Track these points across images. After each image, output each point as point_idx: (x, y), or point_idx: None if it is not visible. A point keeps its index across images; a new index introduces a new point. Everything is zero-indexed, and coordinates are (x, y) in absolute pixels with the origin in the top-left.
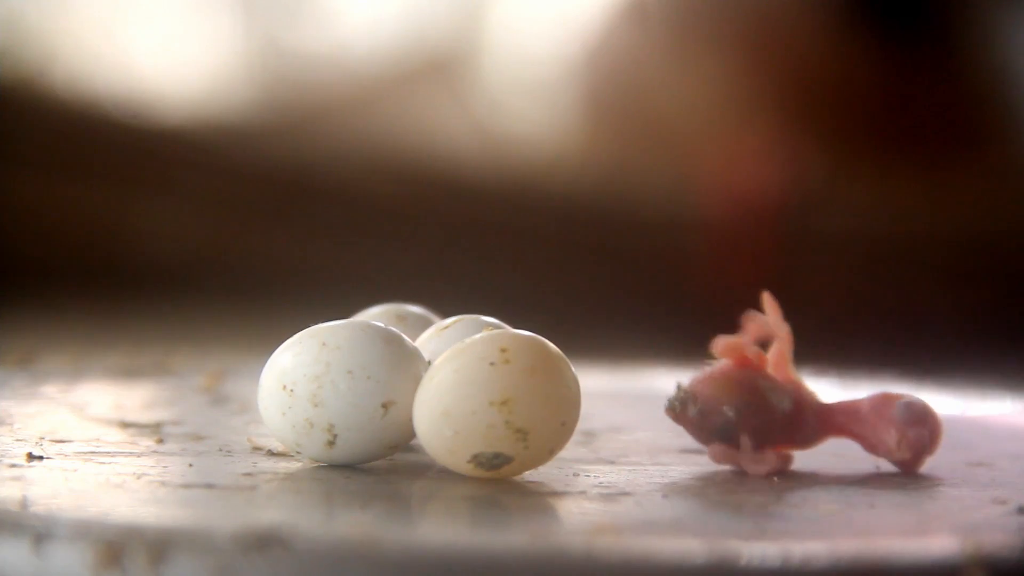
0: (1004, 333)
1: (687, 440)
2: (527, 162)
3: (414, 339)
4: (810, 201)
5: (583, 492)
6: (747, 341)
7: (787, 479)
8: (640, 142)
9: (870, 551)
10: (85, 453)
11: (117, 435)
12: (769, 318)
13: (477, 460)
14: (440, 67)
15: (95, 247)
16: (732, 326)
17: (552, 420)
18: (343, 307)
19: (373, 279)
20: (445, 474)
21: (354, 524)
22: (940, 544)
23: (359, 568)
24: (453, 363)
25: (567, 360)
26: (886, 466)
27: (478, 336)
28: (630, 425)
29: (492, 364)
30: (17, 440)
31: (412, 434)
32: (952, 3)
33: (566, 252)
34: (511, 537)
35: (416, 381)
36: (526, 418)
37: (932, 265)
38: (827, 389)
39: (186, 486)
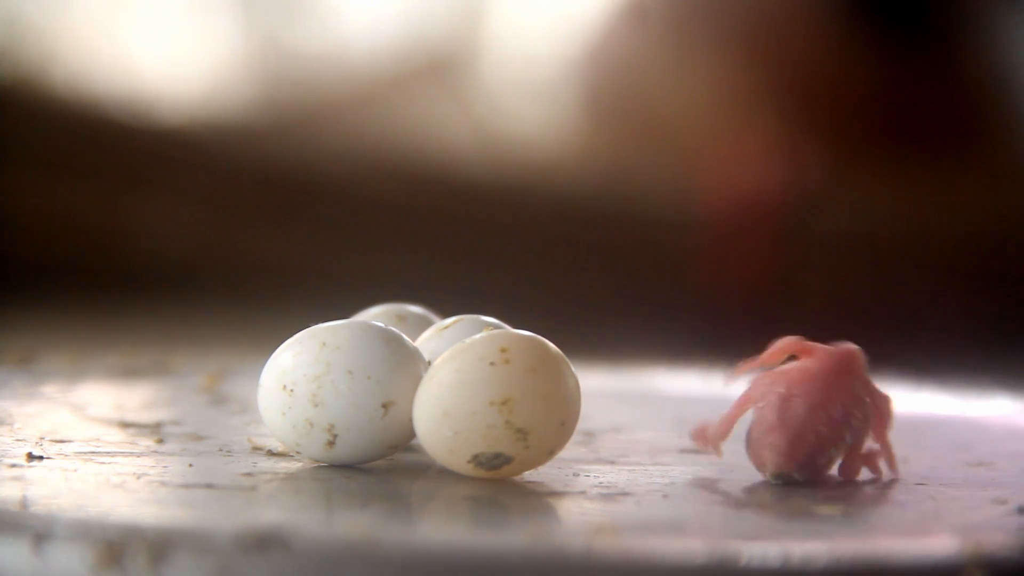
0: (1004, 333)
1: (687, 440)
2: (527, 162)
3: (414, 339)
4: (810, 201)
5: (583, 492)
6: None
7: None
8: (640, 142)
9: (870, 551)
10: (85, 453)
11: (117, 435)
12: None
13: (477, 460)
14: (440, 67)
15: (95, 247)
16: (732, 325)
17: (552, 420)
18: (343, 307)
19: (373, 279)
20: (445, 474)
21: (354, 524)
22: (940, 544)
23: (359, 568)
24: (453, 363)
25: (567, 360)
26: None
27: (478, 336)
28: (630, 425)
29: (492, 364)
30: (17, 440)
31: (412, 434)
32: (952, 3)
33: (566, 252)
34: (511, 537)
35: (416, 381)
36: (526, 418)
37: (932, 265)
38: None
39: (186, 486)
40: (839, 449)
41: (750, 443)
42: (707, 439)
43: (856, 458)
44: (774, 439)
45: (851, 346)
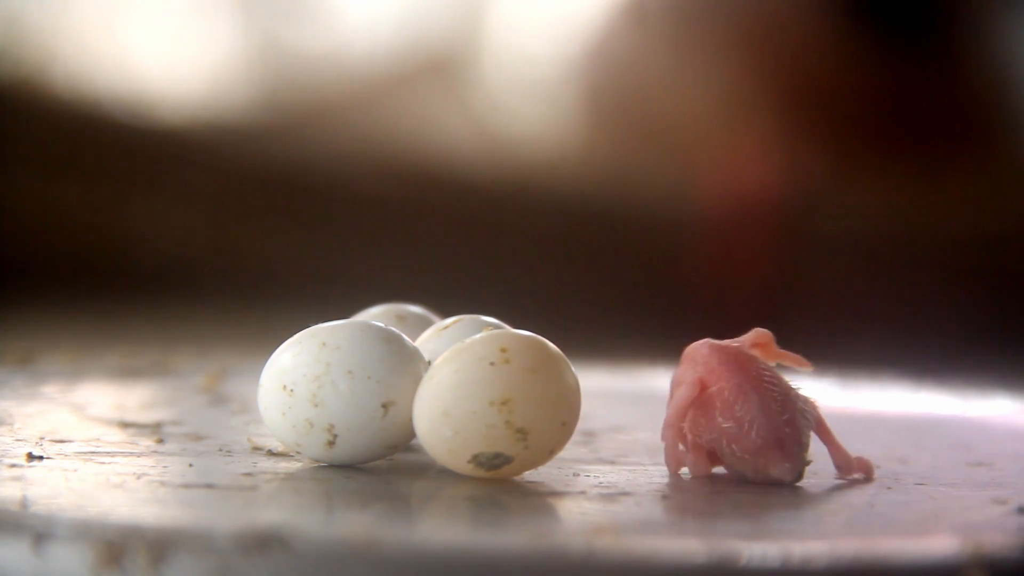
0: (1004, 333)
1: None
2: (527, 162)
3: (414, 339)
4: (810, 201)
5: (583, 492)
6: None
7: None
8: (640, 142)
9: (870, 551)
10: (85, 453)
11: (117, 435)
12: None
13: (477, 460)
14: (440, 67)
15: (95, 247)
16: (731, 325)
17: (552, 420)
18: (343, 307)
19: (373, 279)
20: (445, 474)
21: (354, 524)
22: (940, 544)
23: (359, 568)
24: (453, 363)
25: (567, 360)
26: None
27: (478, 336)
28: (630, 425)
29: (492, 364)
30: (17, 440)
31: (412, 434)
32: (952, 3)
33: (566, 252)
34: (511, 537)
35: (416, 381)
36: (526, 418)
37: (932, 265)
38: (827, 389)
39: (186, 486)
40: (805, 415)
41: (747, 473)
42: (690, 472)
43: (848, 457)
44: (769, 457)
45: (706, 346)
